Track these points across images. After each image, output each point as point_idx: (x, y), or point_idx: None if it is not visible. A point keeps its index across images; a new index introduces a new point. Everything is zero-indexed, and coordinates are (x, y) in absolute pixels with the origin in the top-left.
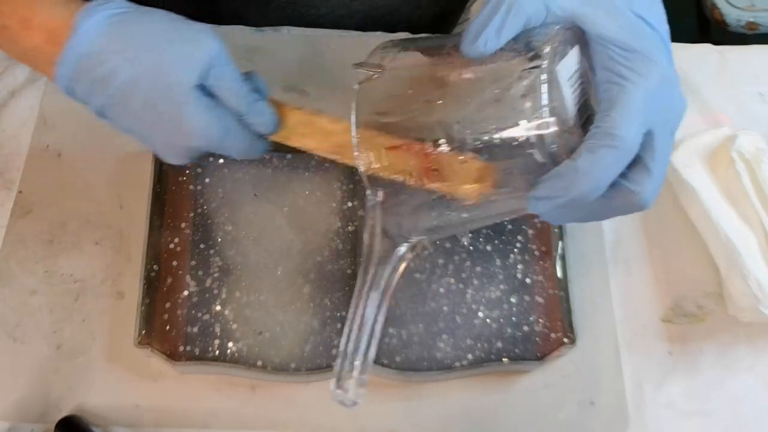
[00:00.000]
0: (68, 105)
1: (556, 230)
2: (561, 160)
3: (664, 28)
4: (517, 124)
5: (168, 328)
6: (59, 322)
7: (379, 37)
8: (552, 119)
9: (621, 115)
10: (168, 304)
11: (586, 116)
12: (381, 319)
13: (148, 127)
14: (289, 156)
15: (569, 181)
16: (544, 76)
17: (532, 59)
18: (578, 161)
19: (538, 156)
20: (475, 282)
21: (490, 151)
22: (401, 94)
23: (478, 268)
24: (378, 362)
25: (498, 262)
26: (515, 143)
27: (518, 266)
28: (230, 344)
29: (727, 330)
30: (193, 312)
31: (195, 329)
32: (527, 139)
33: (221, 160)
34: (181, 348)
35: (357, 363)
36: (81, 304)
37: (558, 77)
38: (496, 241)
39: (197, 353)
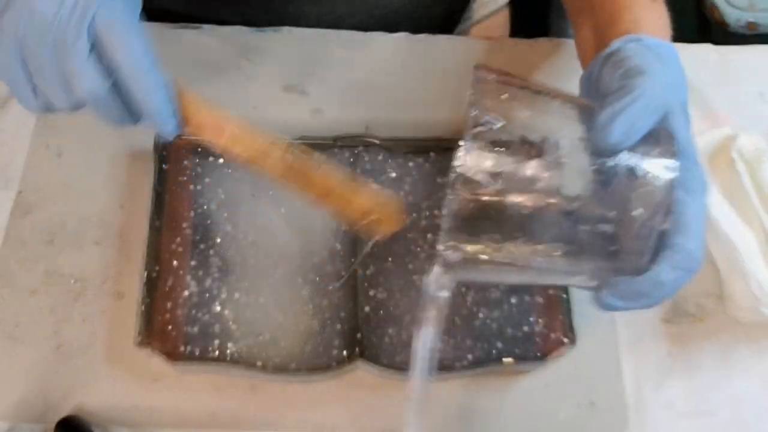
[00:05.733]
0: None
1: None
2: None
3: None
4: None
5: (168, 328)
6: (59, 323)
7: (379, 37)
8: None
9: (697, 238)
10: (168, 304)
11: None
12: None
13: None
14: None
15: (648, 290)
16: (673, 179)
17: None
18: (662, 275)
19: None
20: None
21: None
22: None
23: None
24: (378, 362)
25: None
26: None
27: None
28: (230, 344)
29: (727, 330)
30: (193, 312)
31: (195, 329)
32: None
33: (221, 160)
34: (181, 348)
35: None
36: (81, 304)
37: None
38: None
39: (197, 353)
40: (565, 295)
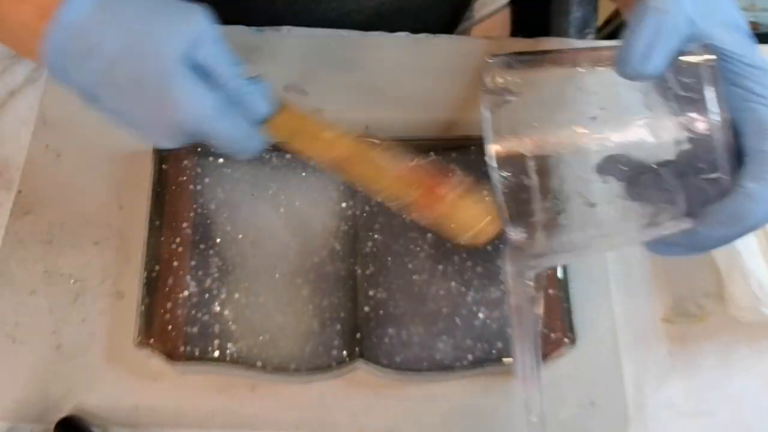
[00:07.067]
0: (68, 105)
1: None
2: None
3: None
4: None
5: (168, 328)
6: (59, 322)
7: (379, 37)
8: (724, 135)
9: None
10: (168, 305)
11: None
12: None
13: (135, 103)
14: (288, 156)
15: (742, 208)
16: (712, 92)
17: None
18: (750, 187)
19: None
20: (476, 282)
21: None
22: (541, 113)
23: (479, 269)
24: (378, 362)
25: (498, 262)
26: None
27: None
28: (230, 345)
29: (727, 330)
30: (193, 312)
31: (195, 329)
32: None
33: (221, 160)
34: (181, 348)
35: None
36: (80, 304)
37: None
38: (496, 241)
39: (197, 354)
40: (565, 295)
